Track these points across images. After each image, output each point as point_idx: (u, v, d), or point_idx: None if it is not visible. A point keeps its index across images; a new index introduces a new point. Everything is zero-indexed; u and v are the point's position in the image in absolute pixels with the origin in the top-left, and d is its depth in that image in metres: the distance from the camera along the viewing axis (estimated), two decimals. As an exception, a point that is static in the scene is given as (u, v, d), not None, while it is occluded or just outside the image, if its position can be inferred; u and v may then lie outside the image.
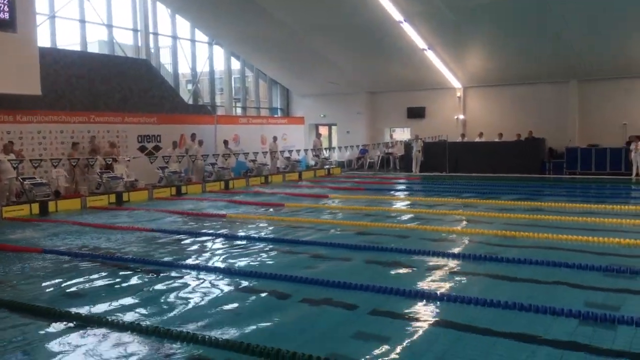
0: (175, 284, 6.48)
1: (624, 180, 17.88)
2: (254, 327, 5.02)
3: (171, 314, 5.43)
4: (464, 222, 10.59)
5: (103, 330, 4.93)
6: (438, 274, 6.74)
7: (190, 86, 26.03)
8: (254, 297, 5.99)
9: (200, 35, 24.93)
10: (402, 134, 27.25)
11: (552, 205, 12.37)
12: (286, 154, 21.41)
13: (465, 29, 20.15)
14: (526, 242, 8.31)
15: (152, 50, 22.76)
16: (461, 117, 24.97)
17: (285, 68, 26.79)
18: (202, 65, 25.26)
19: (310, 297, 5.82)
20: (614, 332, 4.60)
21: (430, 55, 22.22)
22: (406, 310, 5.31)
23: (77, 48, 20.11)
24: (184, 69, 25.22)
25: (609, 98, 21.79)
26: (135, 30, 22.17)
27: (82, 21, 20.13)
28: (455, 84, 24.65)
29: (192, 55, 24.69)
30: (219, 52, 26.04)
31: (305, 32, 22.25)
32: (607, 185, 16.84)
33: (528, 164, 20.49)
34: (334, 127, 29.42)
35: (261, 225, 10.72)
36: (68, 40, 22.15)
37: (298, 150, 21.50)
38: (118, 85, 19.43)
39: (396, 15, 19.61)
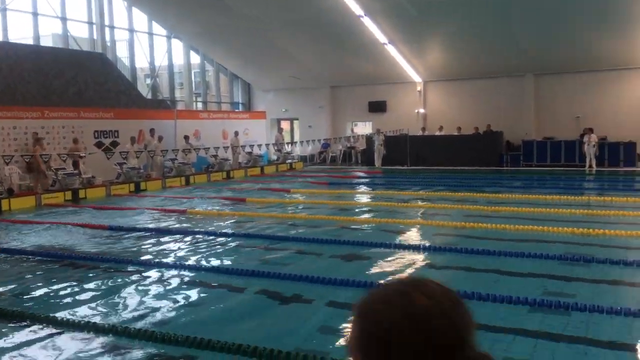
0: (133, 282, 6.35)
1: (577, 171, 18.40)
2: (213, 323, 4.97)
3: (129, 312, 5.32)
4: (425, 215, 10.72)
5: (59, 330, 4.80)
6: (399, 265, 6.80)
7: (148, 80, 25.55)
8: (215, 293, 5.94)
9: (159, 29, 24.47)
10: (364, 128, 27.39)
11: (510, 197, 12.63)
12: (248, 149, 21.26)
13: (425, 23, 20.35)
14: (485, 233, 8.45)
15: (108, 44, 22.22)
16: (422, 110, 25.25)
17: (247, 62, 26.56)
18: (161, 59, 24.83)
19: (271, 291, 5.80)
20: (568, 318, 4.73)
21: (391, 49, 22.37)
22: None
23: (30, 42, 19.46)
24: (142, 63, 24.76)
25: (563, 92, 22.38)
26: (90, 23, 21.59)
27: (35, 14, 19.48)
28: (416, 78, 24.89)
29: (150, 49, 24.22)
30: (178, 45, 25.64)
31: (266, 26, 22.08)
32: (561, 177, 17.30)
33: (486, 157, 20.89)
34: (296, 122, 29.36)
35: (223, 220, 10.61)
36: (20, 34, 21.43)
37: (260, 145, 21.39)
38: (72, 79, 18.89)
39: (357, 9, 19.66)
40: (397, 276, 6.29)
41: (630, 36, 19.27)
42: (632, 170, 18.25)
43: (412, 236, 8.73)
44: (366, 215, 10.95)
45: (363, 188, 16.43)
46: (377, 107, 26.06)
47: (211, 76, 28.09)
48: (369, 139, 23.58)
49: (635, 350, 4.08)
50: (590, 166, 18.56)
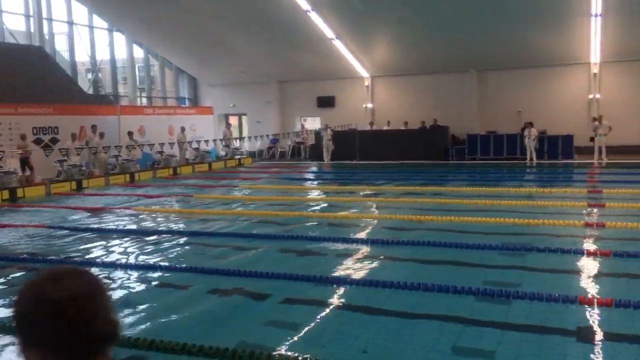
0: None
1: (519, 164, 18.98)
2: (163, 322, 4.87)
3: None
4: (373, 208, 10.82)
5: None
6: (349, 259, 6.82)
7: (90, 75, 24.73)
8: (163, 291, 5.82)
9: (100, 22, 23.71)
10: (314, 123, 27.42)
11: (455, 190, 12.91)
12: (195, 145, 20.92)
13: (371, 18, 20.52)
14: (432, 225, 8.60)
15: (47, 37, 21.37)
16: (370, 106, 25.48)
17: (192, 56, 26.10)
18: (103, 53, 24.07)
19: (221, 288, 5.73)
20: (508, 307, 4.87)
21: (339, 44, 22.45)
22: (317, 297, 5.34)
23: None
24: (83, 57, 23.92)
25: (505, 87, 23.04)
26: (27, 16, 20.70)
27: (-34, 5, 18.56)
28: (364, 73, 25.09)
29: (91, 42, 23.45)
30: (120, 39, 24.89)
31: (211, 20, 21.75)
32: (504, 169, 17.81)
33: (433, 151, 21.27)
34: (244, 117, 29.10)
35: (169, 217, 10.40)
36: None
37: (207, 141, 21.07)
38: (9, 74, 18.06)
39: (303, 4, 19.63)
40: (345, 270, 6.32)
41: (568, 34, 20.01)
42: (570, 162, 18.97)
43: (361, 230, 8.78)
44: (315, 210, 10.95)
45: (312, 183, 16.45)
46: (326, 102, 26.13)
47: (156, 71, 27.46)
48: (318, 134, 23.61)
49: (574, 335, 4.23)
50: (531, 159, 19.17)
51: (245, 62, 24.86)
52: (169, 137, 21.19)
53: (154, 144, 19.33)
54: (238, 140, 24.67)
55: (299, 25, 21.03)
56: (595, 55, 21.19)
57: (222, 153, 23.47)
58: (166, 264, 6.80)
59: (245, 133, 28.01)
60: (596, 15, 18.36)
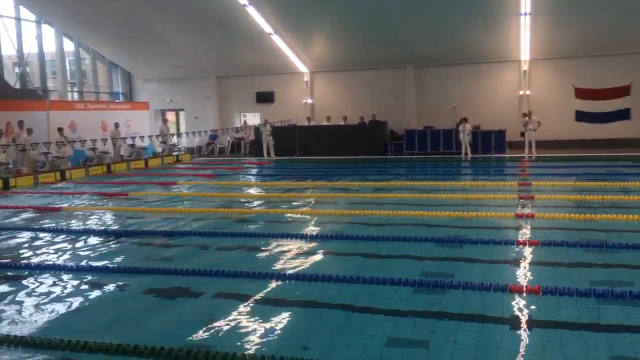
0: (8, 286, 5.83)
1: (455, 159, 19.52)
2: (97, 323, 4.71)
3: (4, 319, 4.88)
4: (313, 204, 10.85)
5: None
6: (288, 254, 6.81)
7: (17, 69, 23.56)
8: (97, 293, 5.61)
9: (27, 14, 22.59)
10: (254, 119, 27.20)
11: (394, 184, 13.12)
12: (130, 141, 20.32)
13: (308, 14, 20.54)
14: (370, 220, 8.71)
15: (-32, 28, 20.20)
16: (309, 101, 25.52)
17: (126, 50, 25.31)
18: (31, 46, 22.96)
19: (156, 288, 5.59)
20: (443, 297, 4.99)
21: (277, 39, 22.34)
22: (256, 293, 5.29)
23: None
24: (9, 50, 22.72)
25: (441, 83, 23.60)
26: (-55, 5, 19.50)
27: None
28: (303, 68, 25.08)
29: (18, 34, 22.31)
30: (49, 31, 23.80)
31: (146, 12, 21.16)
32: (440, 164, 18.27)
33: (372, 146, 21.58)
34: (181, 113, 28.51)
35: (103, 216, 10.05)
36: None
37: (142, 137, 20.52)
38: None
39: (241, -2, 19.42)
40: (285, 265, 6.30)
41: (499, 32, 20.70)
42: (502, 156, 19.69)
43: (301, 225, 8.78)
44: (255, 206, 10.88)
45: (252, 179, 16.32)
46: (265, 98, 25.97)
47: (88, 64, 26.46)
48: (257, 129, 23.45)
49: (506, 323, 4.37)
50: (466, 153, 19.75)
51: (182, 56, 24.35)
52: (102, 133, 20.48)
53: (85, 141, 18.63)
54: (175, 137, 24.16)
55: (236, 19, 20.78)
56: (525, 53, 22.03)
57: (159, 149, 22.92)
58: (98, 264, 6.57)
59: (182, 129, 27.47)
60: (526, 14, 19.08)
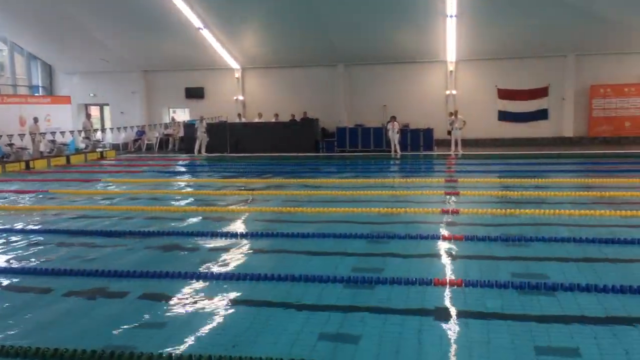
0: None
1: (385, 156, 19.88)
2: (17, 327, 4.46)
3: None
4: (245, 201, 10.74)
5: None
6: (219, 253, 6.71)
7: None
8: (17, 296, 5.32)
9: None
10: (184, 115, 26.62)
11: (325, 182, 13.20)
12: (50, 137, 19.39)
13: (238, 9, 20.28)
14: (302, 217, 8.71)
15: None
16: (240, 97, 25.25)
17: (46, 42, 24.10)
18: (-61, 34, 21.47)
19: (80, 290, 5.37)
20: (372, 292, 5.07)
21: (207, 34, 21.94)
22: (184, 293, 5.18)
23: None
24: None
25: (371, 81, 23.96)
26: None
27: None
28: (234, 64, 24.77)
29: None
30: (-40, 19, 22.32)
31: (66, 3, 20.21)
32: (371, 161, 18.55)
33: (303, 143, 21.63)
34: (106, 107, 27.47)
35: (23, 215, 9.53)
36: None
37: (63, 132, 19.64)
38: None
39: (169, -9, 18.94)
40: (214, 265, 6.20)
41: (427, 33, 21.23)
42: (430, 154, 20.25)
43: (233, 223, 8.67)
44: (185, 204, 10.65)
45: (182, 176, 15.97)
46: (195, 94, 25.47)
47: (5, 56, 25.03)
48: (187, 126, 22.97)
49: (431, 315, 4.49)
50: (396, 151, 20.16)
51: (106, 49, 23.46)
52: (20, 128, 19.44)
53: (1, 136, 17.62)
54: (100, 132, 23.26)
55: (164, 13, 20.23)
56: (451, 54, 22.72)
57: (82, 145, 22.04)
58: (17, 265, 6.23)
59: (107, 124, 26.51)
60: (451, 16, 19.67)
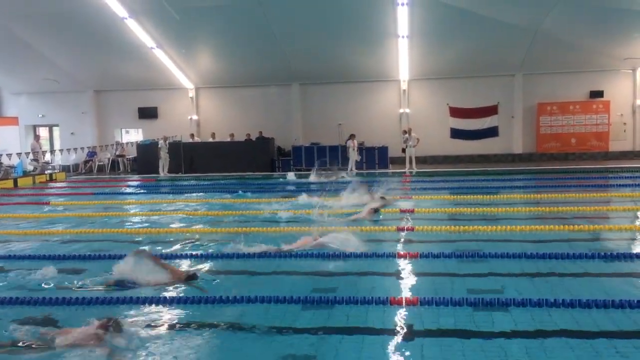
0: None
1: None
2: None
3: None
4: (198, 222, 10.55)
5: None
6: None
7: None
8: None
9: None
10: (137, 135, 26.14)
11: (283, 200, 13.11)
12: (-4, 159, 18.69)
13: (190, 29, 20.16)
14: (257, 237, 8.59)
15: None
16: (195, 117, 25.00)
17: (-8, 61, 23.35)
18: None
19: (26, 318, 5.11)
20: (329, 312, 5.00)
21: (160, 54, 21.71)
22: (140, 317, 5.00)
23: None
24: None
25: (327, 100, 24.15)
26: None
27: None
28: (188, 84, 24.55)
29: None
30: None
31: (12, 21, 19.65)
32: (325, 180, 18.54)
33: (259, 163, 21.56)
34: (55, 128, 26.71)
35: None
36: None
37: (10, 155, 18.96)
38: None
39: (119, 10, 18.65)
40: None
41: (380, 53, 21.60)
42: (386, 171, 20.44)
43: (186, 244, 8.47)
44: (137, 226, 10.37)
45: (134, 198, 15.60)
46: (148, 114, 25.08)
47: (-54, 75, 24.10)
48: (140, 146, 22.55)
49: (388, 334, 4.47)
50: (351, 169, 20.27)
51: (57, 69, 22.90)
52: (-37, 151, 18.68)
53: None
54: (49, 154, 22.56)
55: (115, 32, 19.92)
56: (404, 73, 23.15)
57: (30, 168, 21.31)
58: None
59: (57, 146, 25.76)
60: (403, 37, 20.08)
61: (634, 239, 8.07)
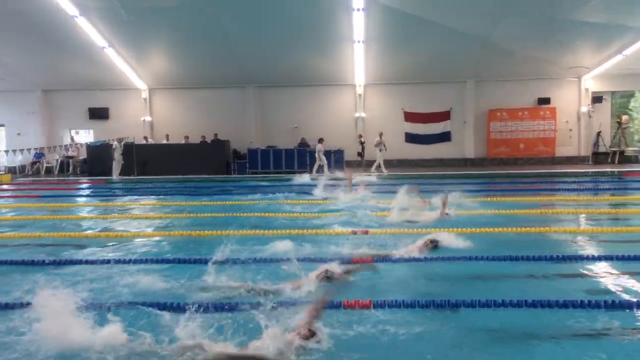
0: None
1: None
2: None
3: None
4: (152, 225, 10.35)
5: None
6: (110, 281, 6.36)
7: None
8: None
9: None
10: (88, 136, 25.48)
11: (236, 203, 13.01)
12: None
13: (142, 29, 19.83)
14: (203, 240, 8.49)
15: None
16: (148, 118, 24.56)
17: None
18: None
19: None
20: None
21: (111, 53, 21.23)
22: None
23: None
24: None
25: (283, 104, 24.15)
26: None
27: None
28: (140, 85, 24.10)
29: None
30: None
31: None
32: (280, 182, 18.49)
33: (215, 165, 21.37)
34: (1, 128, 25.75)
35: None
36: None
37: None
38: None
39: (70, 8, 18.16)
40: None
41: (336, 57, 21.76)
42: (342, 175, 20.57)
43: (137, 248, 8.29)
44: (86, 230, 10.08)
45: (82, 200, 15.19)
46: (99, 114, 24.52)
47: None
48: (90, 148, 21.99)
49: (341, 337, 4.48)
50: (311, 171, 20.47)
51: (2, 67, 22.11)
52: None
53: None
54: (-7, 155, 21.75)
55: (65, 30, 19.39)
56: (360, 78, 23.38)
57: (-27, 169, 20.46)
58: None
59: (2, 147, 24.82)
60: (358, 42, 20.28)
61: (578, 242, 8.35)
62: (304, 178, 18.32)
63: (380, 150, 20.68)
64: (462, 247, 7.47)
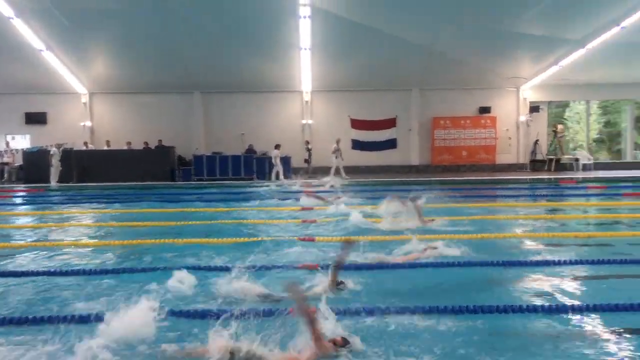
0: None
1: (244, 184, 19.74)
2: None
3: None
4: (89, 234, 9.99)
5: None
6: (46, 294, 6.08)
7: None
8: None
9: None
10: (24, 142, 24.42)
11: (180, 210, 12.75)
12: None
13: (83, 32, 19.25)
14: (153, 249, 8.27)
15: None
16: (88, 124, 23.80)
17: None
18: None
19: None
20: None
21: (50, 56, 20.47)
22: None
23: None
24: None
25: (229, 110, 23.92)
26: None
27: None
28: (80, 89, 23.36)
29: None
30: None
31: None
32: (229, 190, 18.30)
33: (158, 172, 20.89)
34: None
35: None
36: None
37: None
38: None
39: (6, 10, 17.42)
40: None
41: (283, 64, 21.80)
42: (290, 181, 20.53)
43: (73, 257, 7.96)
44: (20, 240, 9.63)
45: (18, 209, 14.52)
46: (36, 119, 23.60)
47: None
48: (27, 153, 21.11)
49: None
50: (277, 178, 20.48)
51: None
52: None
53: None
54: None
55: (0, 32, 18.56)
56: (306, 85, 23.44)
57: None
58: None
59: None
60: (305, 49, 20.35)
61: (518, 247, 8.59)
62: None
63: (337, 157, 20.86)
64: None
